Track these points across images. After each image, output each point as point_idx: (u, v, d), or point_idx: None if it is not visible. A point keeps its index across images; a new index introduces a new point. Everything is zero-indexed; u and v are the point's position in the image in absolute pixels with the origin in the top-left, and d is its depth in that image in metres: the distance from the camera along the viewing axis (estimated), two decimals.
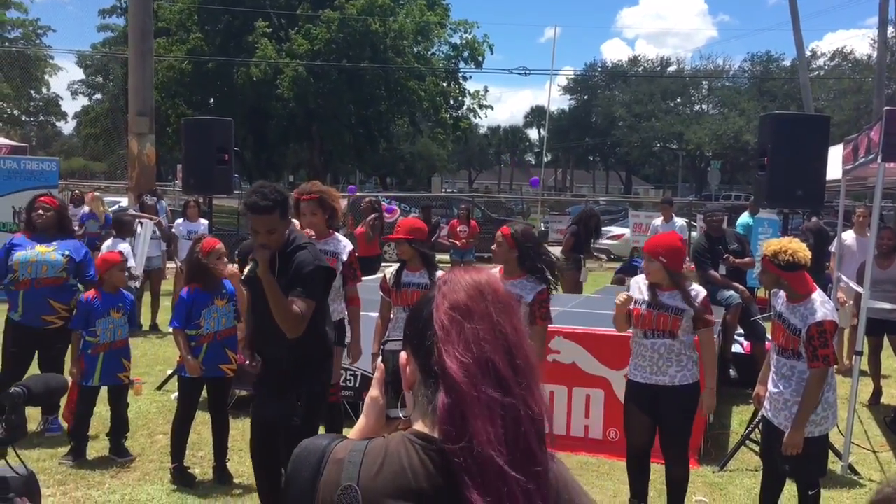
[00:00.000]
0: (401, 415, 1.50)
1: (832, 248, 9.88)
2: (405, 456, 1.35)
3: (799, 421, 4.39)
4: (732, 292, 8.19)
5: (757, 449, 6.46)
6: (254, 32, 32.42)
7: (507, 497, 1.27)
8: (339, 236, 5.82)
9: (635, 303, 4.83)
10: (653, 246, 4.83)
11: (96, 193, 12.90)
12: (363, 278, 6.24)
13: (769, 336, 8.14)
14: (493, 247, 5.15)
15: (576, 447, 6.38)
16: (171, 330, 5.79)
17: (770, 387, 4.68)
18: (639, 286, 4.90)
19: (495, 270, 5.25)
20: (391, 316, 5.67)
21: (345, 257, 5.65)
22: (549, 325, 5.30)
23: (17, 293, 6.21)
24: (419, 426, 1.39)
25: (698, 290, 4.81)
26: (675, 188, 66.04)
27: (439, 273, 5.32)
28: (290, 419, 4.28)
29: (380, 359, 1.56)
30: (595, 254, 22.56)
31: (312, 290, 4.20)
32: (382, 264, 13.67)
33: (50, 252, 6.20)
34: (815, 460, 4.57)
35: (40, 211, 6.25)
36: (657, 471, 5.11)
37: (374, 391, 1.56)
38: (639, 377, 4.82)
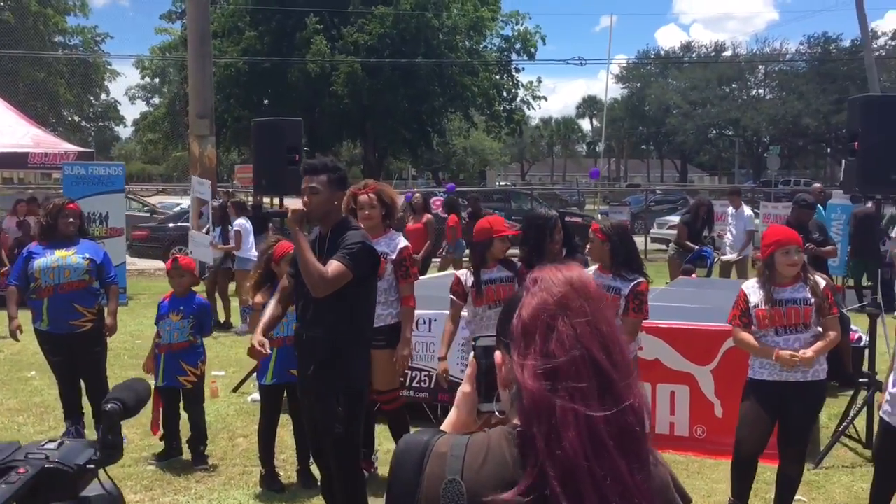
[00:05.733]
0: (494, 409, 1.53)
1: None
2: (507, 449, 1.38)
3: None
4: None
5: (850, 444, 6.25)
6: (306, 29, 32.53)
7: (596, 497, 1.28)
8: (396, 234, 5.48)
9: (756, 305, 4.67)
10: (797, 238, 4.70)
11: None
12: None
13: (854, 327, 7.93)
14: (587, 245, 5.15)
15: (662, 445, 6.18)
16: (240, 329, 5.74)
17: (892, 387, 4.42)
18: (753, 288, 4.74)
19: (594, 268, 5.19)
20: (466, 315, 5.46)
21: (394, 256, 5.26)
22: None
23: (40, 302, 6.06)
24: (517, 420, 1.40)
25: (819, 280, 4.70)
26: (732, 175, 64.70)
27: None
28: (333, 427, 4.18)
29: (471, 354, 1.59)
30: (653, 244, 22.27)
31: (352, 260, 4.09)
32: (433, 260, 13.53)
33: (71, 255, 6.08)
34: None
35: (71, 219, 6.17)
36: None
37: (465, 386, 1.60)
38: (766, 375, 4.64)
